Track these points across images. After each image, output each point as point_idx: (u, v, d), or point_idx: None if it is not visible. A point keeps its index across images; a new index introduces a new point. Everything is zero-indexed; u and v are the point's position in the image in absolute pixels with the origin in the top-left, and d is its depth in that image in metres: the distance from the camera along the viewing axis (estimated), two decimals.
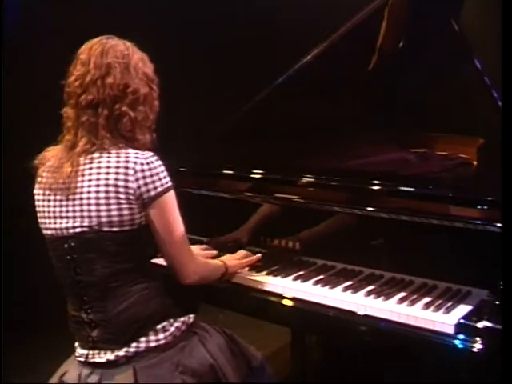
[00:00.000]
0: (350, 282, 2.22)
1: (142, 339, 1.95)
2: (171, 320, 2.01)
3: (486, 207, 2.05)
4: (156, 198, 1.92)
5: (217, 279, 2.24)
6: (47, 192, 1.98)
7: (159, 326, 1.97)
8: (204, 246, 2.52)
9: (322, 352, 2.87)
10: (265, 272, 2.35)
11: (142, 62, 2.01)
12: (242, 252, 2.42)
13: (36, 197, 2.03)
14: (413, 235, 2.18)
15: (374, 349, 2.08)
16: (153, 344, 1.95)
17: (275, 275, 2.32)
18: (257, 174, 2.61)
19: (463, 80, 2.72)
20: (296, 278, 2.27)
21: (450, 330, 1.90)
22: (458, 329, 1.89)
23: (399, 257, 2.22)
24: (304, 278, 2.26)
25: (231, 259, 2.34)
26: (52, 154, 2.03)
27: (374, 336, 2.05)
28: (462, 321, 1.91)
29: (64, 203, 1.95)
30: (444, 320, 1.93)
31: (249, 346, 2.20)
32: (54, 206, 1.97)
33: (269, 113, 2.79)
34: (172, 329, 2.00)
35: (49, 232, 1.99)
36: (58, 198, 1.96)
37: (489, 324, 1.85)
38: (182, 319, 2.04)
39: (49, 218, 1.98)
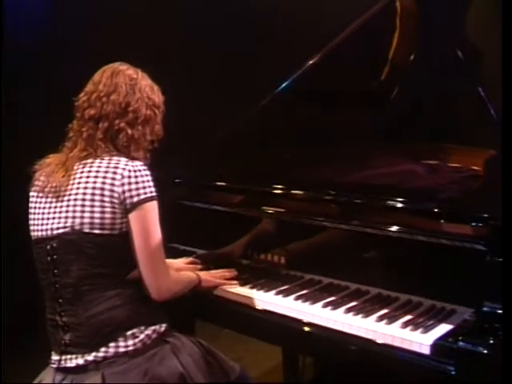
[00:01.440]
0: (332, 298, 2.15)
1: (111, 344, 1.95)
2: (142, 327, 2.00)
3: (480, 224, 1.94)
4: (137, 205, 1.97)
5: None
6: (40, 195, 2.06)
7: (129, 333, 1.97)
8: (189, 259, 2.51)
9: (314, 372, 2.79)
10: (249, 285, 2.30)
11: (149, 88, 2.14)
12: (219, 271, 2.38)
13: (30, 199, 2.10)
14: (399, 251, 2.10)
15: (358, 368, 2.00)
16: (122, 350, 1.96)
17: (259, 289, 2.26)
18: (252, 187, 2.55)
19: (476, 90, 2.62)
20: (278, 293, 2.21)
21: (426, 351, 1.81)
22: (434, 349, 1.80)
23: (385, 273, 2.15)
24: (286, 293, 2.20)
25: (207, 275, 2.33)
26: (51, 161, 2.11)
27: (354, 355, 1.97)
28: (438, 341, 1.81)
29: (53, 205, 2.01)
30: (420, 340, 1.84)
31: (227, 360, 2.16)
32: (44, 208, 2.04)
33: (270, 123, 2.74)
34: (142, 336, 1.99)
35: (35, 234, 2.05)
36: (49, 200, 2.03)
37: (462, 345, 1.75)
38: (153, 327, 2.03)
39: (37, 219, 2.05)
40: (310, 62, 2.67)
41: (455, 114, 2.64)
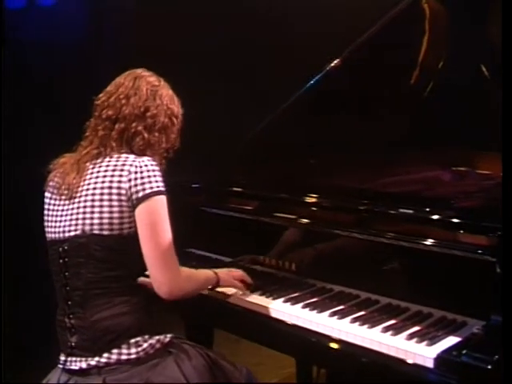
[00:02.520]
0: (341, 307, 2.09)
1: (114, 351, 1.94)
2: (146, 336, 1.98)
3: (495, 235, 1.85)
4: (143, 200, 1.94)
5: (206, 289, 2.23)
6: (54, 196, 2.07)
7: (132, 341, 1.96)
8: None
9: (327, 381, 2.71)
10: (258, 292, 2.26)
11: (170, 98, 2.13)
12: (239, 272, 2.33)
13: (44, 199, 2.11)
14: (411, 260, 2.04)
15: (367, 379, 1.93)
16: (124, 357, 1.94)
17: (267, 296, 2.22)
18: (268, 194, 2.51)
19: None
20: (287, 301, 2.17)
21: (430, 364, 1.74)
22: (438, 363, 1.73)
23: (396, 282, 2.08)
24: (295, 301, 2.15)
25: (227, 274, 2.28)
26: (65, 161, 2.11)
27: (360, 366, 1.91)
28: (442, 355, 1.73)
29: (65, 207, 2.02)
30: (424, 353, 1.77)
31: (234, 371, 2.12)
32: (57, 210, 2.05)
33: (290, 128, 2.70)
34: (145, 345, 1.97)
35: (49, 235, 2.07)
36: (62, 202, 2.04)
37: (465, 360, 1.67)
38: (157, 337, 2.01)
39: (51, 221, 2.06)
40: (331, 65, 2.61)
41: (485, 119, 2.56)
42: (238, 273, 2.31)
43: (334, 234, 2.22)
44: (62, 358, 2.03)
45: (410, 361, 1.78)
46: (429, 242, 1.97)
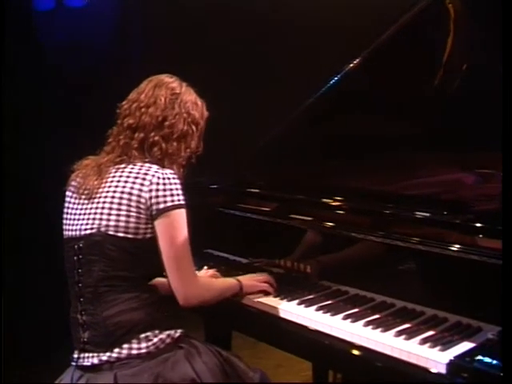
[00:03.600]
0: (355, 310, 2.06)
1: (125, 346, 1.96)
2: (156, 331, 2.00)
3: None
4: (164, 212, 1.98)
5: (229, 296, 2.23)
6: (74, 195, 2.10)
7: (143, 335, 1.97)
8: (211, 272, 2.47)
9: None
10: (272, 295, 2.25)
11: (191, 103, 2.14)
12: (264, 276, 2.33)
13: (65, 198, 2.15)
14: (427, 264, 2.00)
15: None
16: (134, 352, 1.96)
17: (282, 298, 2.20)
18: (287, 195, 2.49)
19: None
20: (301, 303, 2.15)
21: (442, 369, 1.71)
22: (451, 368, 1.69)
23: (412, 286, 2.03)
24: (309, 303, 2.13)
25: (250, 280, 2.29)
26: (88, 163, 2.14)
27: (373, 370, 1.88)
28: (454, 360, 1.70)
29: (84, 206, 2.05)
30: (436, 358, 1.73)
31: (248, 371, 2.11)
32: (76, 209, 2.08)
33: (310, 129, 2.68)
34: (155, 340, 1.99)
35: (66, 233, 2.10)
36: (81, 201, 2.07)
37: (477, 366, 1.63)
38: (168, 332, 2.02)
39: (69, 219, 2.09)
40: (351, 65, 2.56)
41: None
42: (262, 278, 2.31)
43: (351, 237, 2.18)
44: (75, 355, 2.05)
45: (422, 366, 1.74)
46: (446, 245, 1.92)
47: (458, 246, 1.90)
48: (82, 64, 4.37)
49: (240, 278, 2.27)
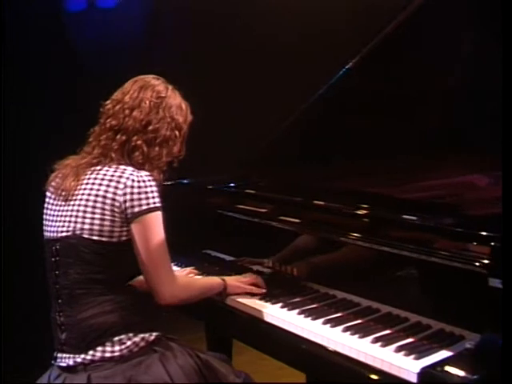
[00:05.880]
0: (338, 314, 1.99)
1: (99, 348, 1.94)
2: (130, 334, 1.97)
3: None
4: (138, 215, 1.95)
5: (213, 296, 2.19)
6: (53, 196, 2.08)
7: (116, 338, 1.95)
8: (188, 270, 2.45)
9: None
10: (258, 296, 2.19)
11: (176, 108, 2.10)
12: (251, 278, 2.28)
13: (46, 199, 2.13)
14: (415, 270, 1.90)
15: None
16: (108, 355, 1.94)
17: (267, 300, 2.14)
18: (284, 197, 2.42)
19: None
20: (284, 306, 2.08)
21: (414, 379, 1.62)
22: (421, 378, 1.60)
23: (399, 291, 1.94)
24: (292, 306, 2.06)
25: (236, 280, 2.24)
26: (68, 163, 2.11)
27: (347, 377, 1.80)
28: (425, 369, 1.60)
29: (61, 208, 2.03)
30: (408, 366, 1.65)
31: (228, 375, 2.05)
32: (54, 210, 2.06)
33: (312, 129, 2.60)
34: (129, 343, 1.96)
35: (45, 234, 2.09)
36: (59, 203, 2.05)
37: (446, 376, 1.54)
38: (142, 335, 1.98)
39: (48, 220, 2.08)
40: (354, 64, 2.45)
41: None
42: (249, 279, 2.26)
43: (342, 241, 2.10)
44: (55, 354, 2.04)
45: (394, 374, 1.66)
46: (434, 251, 1.82)
47: (445, 252, 1.79)
48: (113, 65, 4.39)
49: (226, 277, 2.23)
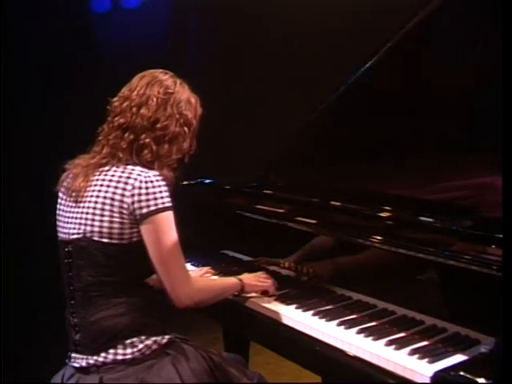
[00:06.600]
0: (353, 316, 1.96)
1: (111, 351, 1.93)
2: (142, 337, 1.94)
3: None
4: (147, 216, 1.91)
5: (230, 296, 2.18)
6: (64, 196, 2.07)
7: (128, 341, 1.93)
8: (204, 270, 2.43)
9: None
10: (273, 297, 2.18)
11: (185, 103, 2.05)
12: (266, 275, 2.27)
13: (58, 199, 2.11)
14: (430, 272, 1.87)
15: None
16: (119, 357, 1.92)
17: (281, 301, 2.13)
18: (301, 198, 2.41)
19: None
20: (299, 307, 2.06)
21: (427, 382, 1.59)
22: (435, 382, 1.58)
23: (415, 294, 1.92)
24: (307, 307, 2.05)
25: (252, 278, 2.22)
26: (79, 162, 2.08)
27: (360, 379, 1.78)
28: (439, 374, 1.58)
29: (72, 209, 2.01)
30: (421, 370, 1.62)
31: (241, 378, 2.04)
32: (65, 211, 2.04)
33: (330, 130, 2.58)
34: (141, 346, 1.94)
35: (58, 235, 2.08)
36: (70, 203, 2.03)
37: (460, 381, 1.51)
38: (154, 338, 1.96)
39: (60, 221, 2.06)
40: (371, 62, 2.43)
41: None
42: (264, 276, 2.25)
43: (358, 243, 2.08)
44: (69, 354, 2.04)
45: (407, 377, 1.64)
46: (451, 254, 1.79)
47: (463, 254, 1.77)
48: (138, 65, 4.40)
49: (241, 276, 2.20)
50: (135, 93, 2.00)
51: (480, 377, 1.51)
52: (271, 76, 4.05)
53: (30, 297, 3.93)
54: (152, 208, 1.90)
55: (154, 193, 1.91)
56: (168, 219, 1.93)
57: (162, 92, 2.01)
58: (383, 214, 2.09)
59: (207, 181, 2.85)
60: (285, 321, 2.03)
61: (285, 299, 2.14)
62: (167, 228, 1.93)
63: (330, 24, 3.87)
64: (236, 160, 2.67)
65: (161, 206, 1.91)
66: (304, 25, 4.01)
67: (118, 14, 4.48)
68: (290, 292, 2.19)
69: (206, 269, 2.43)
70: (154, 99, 1.99)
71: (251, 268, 2.35)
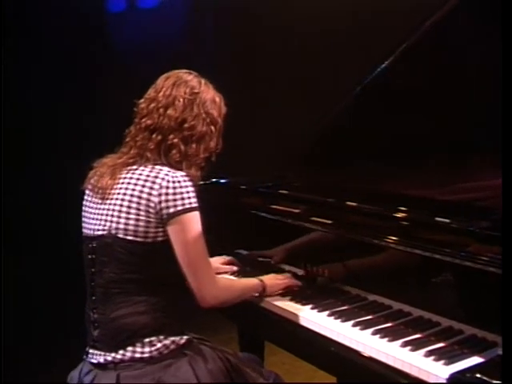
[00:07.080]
0: (368, 317, 1.96)
1: (129, 348, 1.94)
2: (161, 337, 1.95)
3: None
4: (174, 216, 1.93)
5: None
6: (90, 193, 2.09)
7: (147, 340, 1.94)
8: (228, 259, 2.47)
9: None
10: (288, 297, 2.18)
11: (210, 102, 2.07)
12: (285, 275, 2.29)
13: (85, 196, 2.14)
14: (447, 273, 1.86)
15: None
16: (137, 355, 1.93)
17: (297, 301, 2.13)
18: (317, 198, 2.41)
19: None
20: (315, 307, 2.06)
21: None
22: (451, 383, 1.57)
23: (431, 295, 1.91)
24: (323, 308, 2.05)
25: (272, 279, 2.24)
26: (106, 161, 2.11)
27: (375, 380, 1.78)
28: (455, 376, 1.57)
29: (98, 206, 2.04)
30: (437, 371, 1.62)
31: (258, 379, 2.05)
32: (91, 208, 2.07)
33: (354, 129, 2.57)
34: (159, 345, 1.95)
35: (83, 231, 2.10)
36: (96, 200, 2.05)
37: (475, 383, 1.50)
38: (173, 338, 1.97)
39: (86, 217, 2.09)
40: (390, 62, 2.42)
41: None
42: (284, 276, 2.27)
43: (374, 244, 2.07)
44: (87, 349, 2.05)
45: (422, 379, 1.63)
46: (468, 255, 1.77)
47: (480, 256, 1.75)
48: (154, 65, 4.41)
49: (262, 277, 2.22)
50: (161, 94, 2.02)
51: (496, 379, 1.50)
52: (286, 75, 4.05)
53: (30, 297, 3.95)
54: (179, 208, 1.92)
55: (182, 193, 1.92)
56: (195, 219, 1.95)
57: (188, 92, 2.02)
58: (399, 215, 2.07)
59: (223, 181, 2.85)
60: (300, 321, 2.03)
61: (300, 300, 2.13)
62: (194, 228, 1.95)
63: (330, 24, 3.86)
64: (247, 160, 2.66)
65: (188, 206, 1.93)
66: (304, 25, 4.01)
67: (133, 14, 4.50)
68: (305, 292, 2.18)
69: (228, 258, 2.48)
70: (181, 100, 2.01)
71: (266, 268, 2.36)
